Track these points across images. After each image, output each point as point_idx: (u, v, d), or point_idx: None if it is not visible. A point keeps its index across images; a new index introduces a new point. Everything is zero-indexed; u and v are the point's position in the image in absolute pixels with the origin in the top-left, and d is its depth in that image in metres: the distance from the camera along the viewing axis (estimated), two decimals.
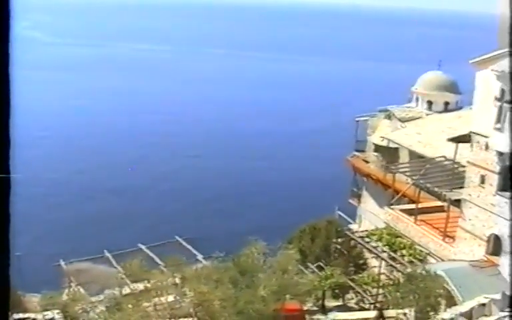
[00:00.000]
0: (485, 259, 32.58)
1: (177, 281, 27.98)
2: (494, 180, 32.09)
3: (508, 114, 30.51)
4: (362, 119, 56.44)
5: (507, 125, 30.60)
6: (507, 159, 31.28)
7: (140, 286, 28.16)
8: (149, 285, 27.69)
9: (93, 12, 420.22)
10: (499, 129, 31.08)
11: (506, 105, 30.52)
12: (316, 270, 40.37)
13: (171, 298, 26.92)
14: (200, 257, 39.34)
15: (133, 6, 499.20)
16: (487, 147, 32.44)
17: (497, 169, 31.95)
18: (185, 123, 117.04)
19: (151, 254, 38.97)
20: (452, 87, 54.40)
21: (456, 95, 54.17)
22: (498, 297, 28.82)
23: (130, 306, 26.20)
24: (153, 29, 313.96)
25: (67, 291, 36.20)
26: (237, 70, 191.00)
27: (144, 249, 40.42)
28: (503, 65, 30.85)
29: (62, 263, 40.87)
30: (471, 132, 34.14)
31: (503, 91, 30.71)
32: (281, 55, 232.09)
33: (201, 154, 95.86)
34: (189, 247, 41.88)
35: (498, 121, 31.08)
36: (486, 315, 28.32)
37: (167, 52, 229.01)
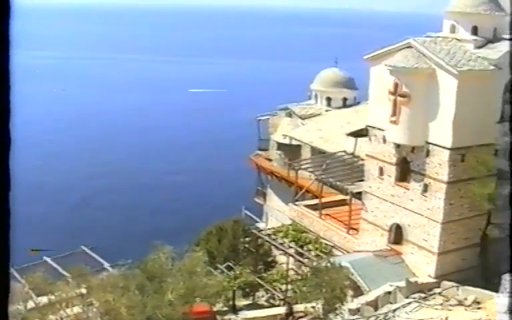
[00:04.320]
0: (388, 248, 33.60)
1: (83, 291, 27.43)
2: (392, 171, 33.17)
3: (403, 108, 31.59)
4: (263, 117, 57.00)
5: (401, 118, 31.67)
6: (403, 151, 32.41)
7: (44, 299, 27.43)
8: (53, 297, 27.01)
9: None
10: (394, 122, 32.11)
11: (400, 99, 31.58)
12: (225, 270, 40.47)
13: (77, 309, 26.36)
14: (106, 265, 38.65)
15: (28, 11, 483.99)
16: (384, 140, 33.46)
17: (394, 160, 33.04)
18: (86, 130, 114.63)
19: (56, 265, 37.95)
20: (349, 83, 55.74)
21: (353, 91, 55.52)
22: (402, 284, 29.84)
23: None
24: (47, 35, 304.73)
25: None
26: (133, 74, 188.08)
27: (49, 261, 39.29)
28: (395, 59, 31.96)
29: None
30: (367, 126, 35.14)
31: (396, 85, 31.76)
32: (179, 57, 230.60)
33: (107, 159, 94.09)
34: (95, 255, 41.06)
35: (393, 114, 32.10)
36: (391, 303, 29.25)
37: (60, 59, 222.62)
